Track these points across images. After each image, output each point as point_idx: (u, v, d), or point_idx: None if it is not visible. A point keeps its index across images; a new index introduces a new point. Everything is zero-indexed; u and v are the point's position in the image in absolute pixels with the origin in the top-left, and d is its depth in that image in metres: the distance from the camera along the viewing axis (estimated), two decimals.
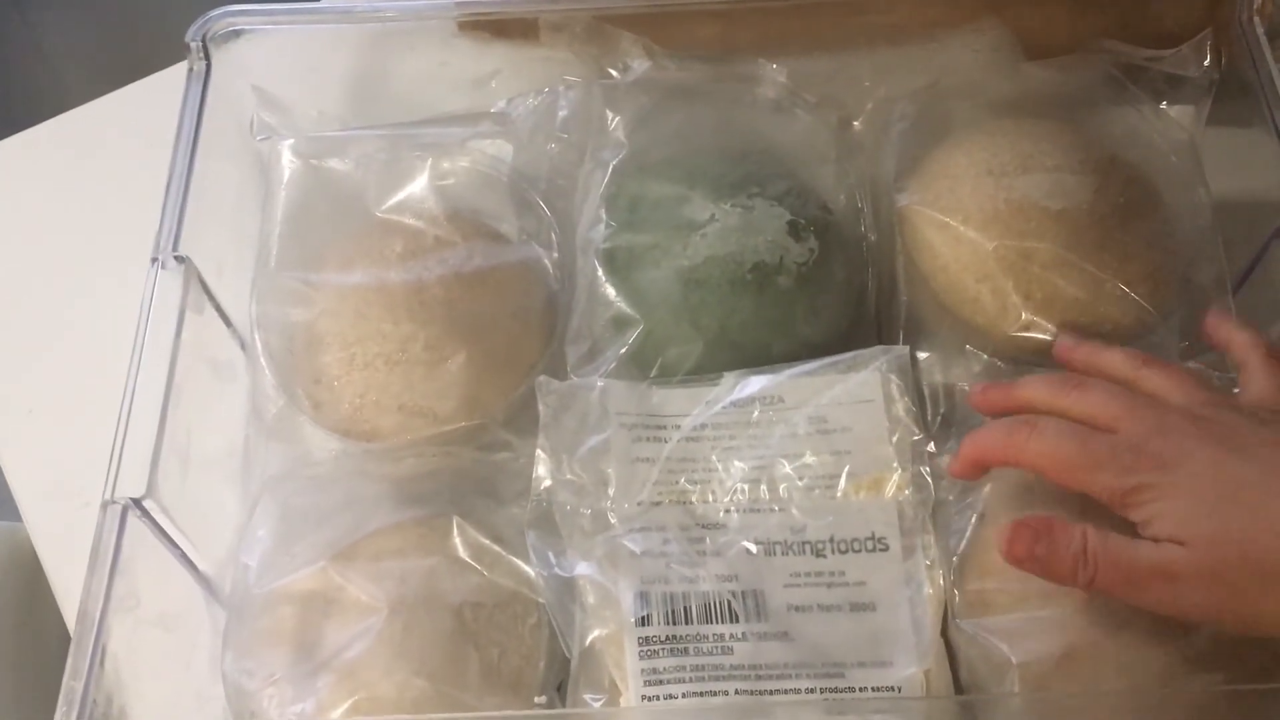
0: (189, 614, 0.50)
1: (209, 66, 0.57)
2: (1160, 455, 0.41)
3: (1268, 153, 0.54)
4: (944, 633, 0.47)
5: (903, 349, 0.52)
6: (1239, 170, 0.57)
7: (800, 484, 0.49)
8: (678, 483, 0.49)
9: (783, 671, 0.45)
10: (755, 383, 0.51)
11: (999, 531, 0.44)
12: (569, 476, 0.49)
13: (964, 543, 0.48)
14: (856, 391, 0.51)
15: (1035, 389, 0.47)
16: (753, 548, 0.47)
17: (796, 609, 0.46)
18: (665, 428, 0.50)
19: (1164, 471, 0.41)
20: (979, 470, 0.47)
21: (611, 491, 0.49)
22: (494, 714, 0.47)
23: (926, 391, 0.54)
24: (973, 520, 0.49)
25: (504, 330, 0.54)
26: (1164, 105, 0.59)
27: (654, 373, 0.53)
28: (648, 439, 0.50)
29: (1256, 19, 0.57)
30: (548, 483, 0.49)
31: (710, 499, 0.49)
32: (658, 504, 0.49)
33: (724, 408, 0.50)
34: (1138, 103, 0.59)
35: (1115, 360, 0.48)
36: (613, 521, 0.48)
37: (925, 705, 0.45)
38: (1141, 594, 0.41)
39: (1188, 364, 0.51)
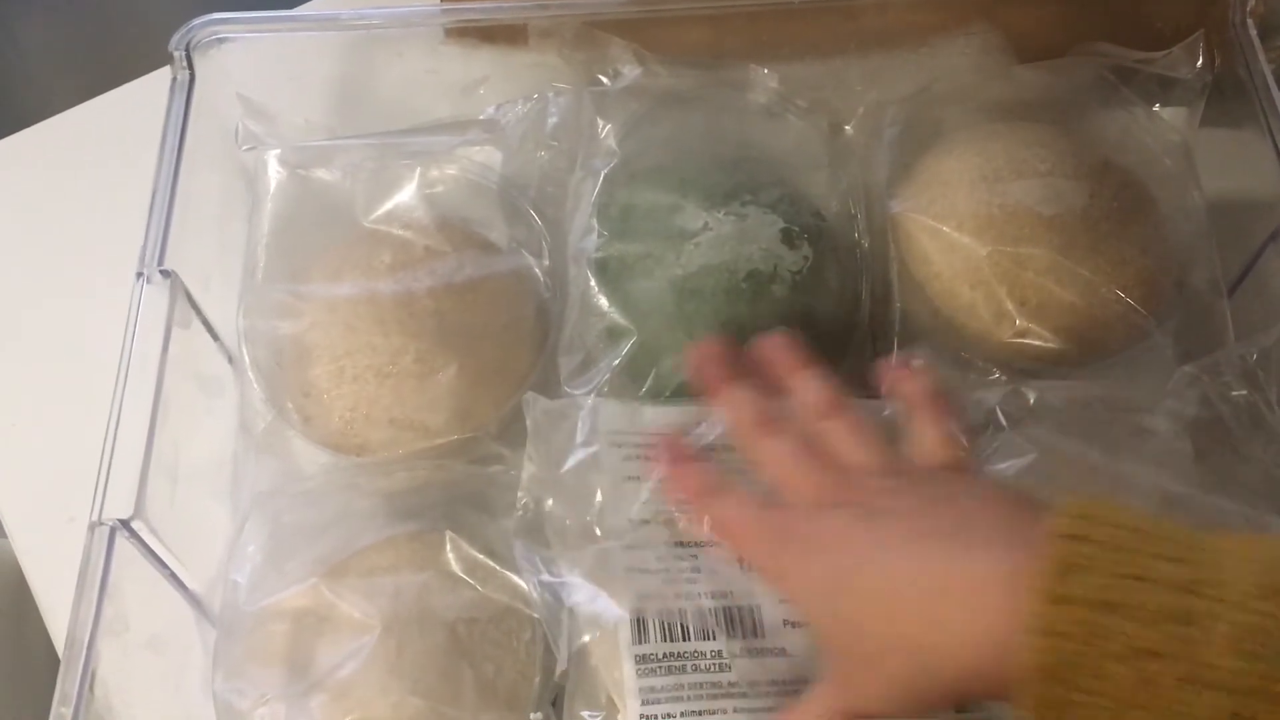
0: (179, 635, 0.49)
1: (193, 76, 0.57)
2: (805, 539, 0.41)
3: (1262, 154, 0.54)
4: None
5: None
6: (1233, 172, 0.56)
7: None
8: (667, 503, 0.48)
9: (781, 688, 0.44)
10: None
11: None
12: (557, 489, 0.48)
13: None
14: None
15: (737, 420, 0.45)
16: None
17: (793, 625, 0.46)
18: (655, 447, 0.49)
19: (798, 557, 0.41)
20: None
21: (600, 508, 0.48)
22: None
23: None
24: None
25: (495, 341, 0.54)
26: (1157, 107, 0.59)
27: (648, 383, 0.52)
28: (637, 458, 0.49)
29: (1249, 20, 0.57)
30: (536, 492, 0.48)
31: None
32: (646, 522, 0.48)
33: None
34: (1130, 105, 0.58)
35: (808, 401, 0.45)
36: (599, 535, 0.47)
37: None
38: None
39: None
